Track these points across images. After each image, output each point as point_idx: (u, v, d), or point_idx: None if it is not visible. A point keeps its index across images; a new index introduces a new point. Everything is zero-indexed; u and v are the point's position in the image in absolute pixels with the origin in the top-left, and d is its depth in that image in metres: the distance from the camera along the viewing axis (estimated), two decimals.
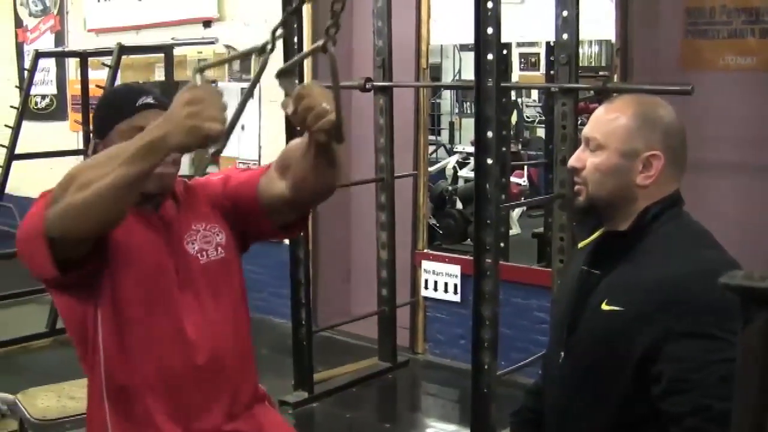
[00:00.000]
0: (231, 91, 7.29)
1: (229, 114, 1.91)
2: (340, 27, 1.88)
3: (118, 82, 6.85)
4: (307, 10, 6.33)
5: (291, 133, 5.39)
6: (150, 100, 2.28)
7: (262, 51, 1.96)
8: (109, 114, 2.31)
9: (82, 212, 1.94)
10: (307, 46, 5.82)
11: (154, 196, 2.34)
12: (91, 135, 2.36)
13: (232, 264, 2.46)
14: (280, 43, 1.99)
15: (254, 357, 2.56)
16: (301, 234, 5.57)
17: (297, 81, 2.06)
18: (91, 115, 7.26)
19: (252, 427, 2.46)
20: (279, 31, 1.99)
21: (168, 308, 2.29)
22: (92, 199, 1.92)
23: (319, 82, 2.05)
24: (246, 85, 7.16)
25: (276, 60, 2.01)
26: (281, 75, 2.06)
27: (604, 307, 2.04)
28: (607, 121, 2.12)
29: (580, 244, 2.34)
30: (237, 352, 2.45)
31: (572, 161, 2.17)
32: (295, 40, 5.44)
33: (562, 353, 2.18)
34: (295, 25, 5.41)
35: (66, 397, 4.13)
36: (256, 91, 7.13)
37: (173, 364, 2.29)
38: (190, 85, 1.90)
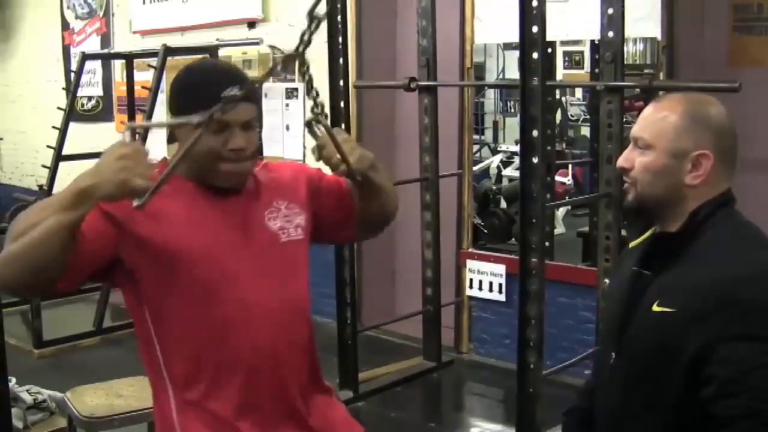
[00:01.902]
0: (275, 91, 7.34)
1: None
2: (325, 119, 2.21)
3: (163, 83, 6.89)
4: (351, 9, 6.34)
5: None
6: (236, 91, 2.10)
7: (199, 125, 2.05)
8: (190, 99, 2.22)
9: (17, 262, 2.00)
10: (351, 45, 5.84)
11: (228, 190, 2.33)
12: (169, 113, 2.34)
13: (307, 247, 2.48)
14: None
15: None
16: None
17: (320, 129, 2.25)
18: (137, 117, 7.35)
19: (322, 424, 2.46)
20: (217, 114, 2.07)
21: (235, 288, 2.28)
22: (25, 249, 1.98)
23: (339, 130, 2.30)
24: (290, 84, 7.18)
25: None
26: (307, 126, 2.25)
27: (656, 308, 2.01)
28: (656, 120, 2.09)
29: (631, 244, 2.31)
30: (308, 334, 2.46)
31: (621, 161, 2.15)
32: (340, 40, 5.45)
33: (614, 354, 2.16)
34: (340, 26, 5.42)
35: (114, 395, 4.17)
36: (300, 92, 7.18)
37: (239, 343, 2.28)
38: (122, 141, 2.00)
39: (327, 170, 2.43)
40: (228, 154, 2.23)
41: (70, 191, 1.98)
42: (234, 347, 2.28)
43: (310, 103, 2.16)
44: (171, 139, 2.34)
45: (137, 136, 2.07)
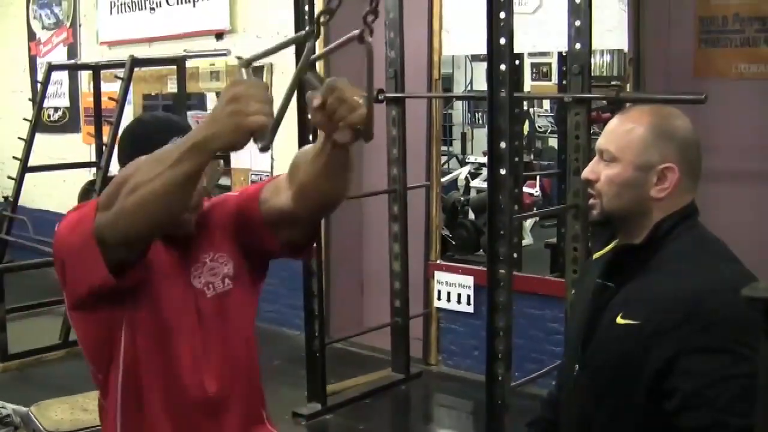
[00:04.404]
0: None
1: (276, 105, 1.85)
2: (378, 15, 1.82)
3: (130, 94, 6.85)
4: None
5: (303, 143, 5.39)
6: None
7: (307, 38, 1.89)
8: (137, 150, 2.21)
9: (134, 215, 1.93)
10: (319, 61, 5.83)
11: (175, 236, 2.33)
12: (118, 161, 2.34)
13: (242, 293, 2.43)
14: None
15: (261, 382, 2.54)
16: (314, 245, 5.57)
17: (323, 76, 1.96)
18: (104, 128, 7.32)
19: None
20: (323, 18, 1.91)
21: (178, 342, 2.29)
22: (143, 202, 1.90)
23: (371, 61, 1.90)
24: None
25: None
26: (303, 71, 1.93)
27: (620, 320, 2.02)
28: (622, 132, 2.10)
29: (595, 255, 2.32)
30: (245, 383, 2.44)
31: (586, 173, 2.16)
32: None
33: (577, 366, 2.16)
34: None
35: (79, 410, 4.13)
36: None
37: (182, 395, 2.29)
38: (234, 81, 1.83)
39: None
40: None
41: (185, 144, 1.86)
42: (177, 394, 2.29)
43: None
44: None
45: (251, 70, 1.87)
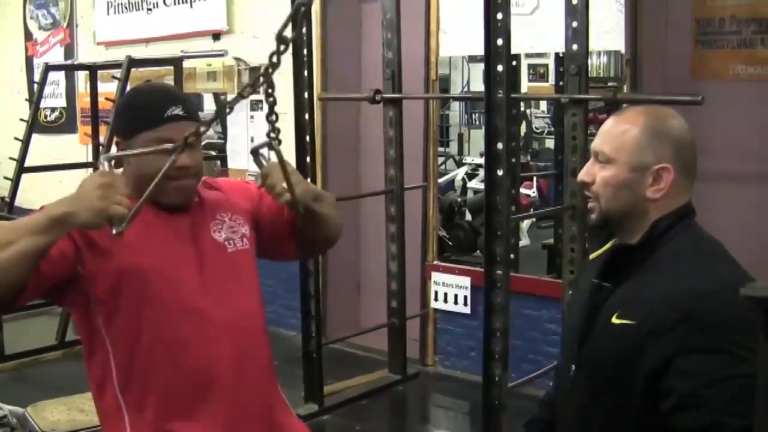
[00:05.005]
0: (240, 104, 7.27)
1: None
2: (279, 132, 2.13)
3: None
4: (316, 30, 6.34)
5: (301, 147, 5.40)
6: (179, 111, 2.28)
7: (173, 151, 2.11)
8: (135, 120, 2.30)
9: None
10: (316, 57, 5.86)
11: (176, 207, 2.36)
12: (113, 134, 2.40)
13: (254, 257, 2.51)
14: None
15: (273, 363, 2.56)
16: None
17: (266, 158, 2.32)
18: (101, 129, 7.31)
19: None
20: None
21: (192, 303, 2.29)
22: None
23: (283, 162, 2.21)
24: (255, 97, 7.15)
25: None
26: (253, 153, 2.29)
27: (616, 320, 2.02)
28: (617, 134, 2.09)
29: (592, 256, 2.32)
30: (264, 344, 2.46)
31: (582, 175, 2.15)
32: (305, 52, 5.43)
33: (574, 366, 2.16)
34: (305, 38, 5.40)
35: (76, 410, 4.13)
36: (265, 105, 7.13)
37: (199, 358, 2.28)
38: (101, 171, 2.06)
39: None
40: (174, 173, 2.23)
41: (45, 216, 2.00)
42: (193, 364, 2.27)
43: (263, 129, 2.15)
44: (117, 165, 2.34)
45: (113, 165, 2.12)
